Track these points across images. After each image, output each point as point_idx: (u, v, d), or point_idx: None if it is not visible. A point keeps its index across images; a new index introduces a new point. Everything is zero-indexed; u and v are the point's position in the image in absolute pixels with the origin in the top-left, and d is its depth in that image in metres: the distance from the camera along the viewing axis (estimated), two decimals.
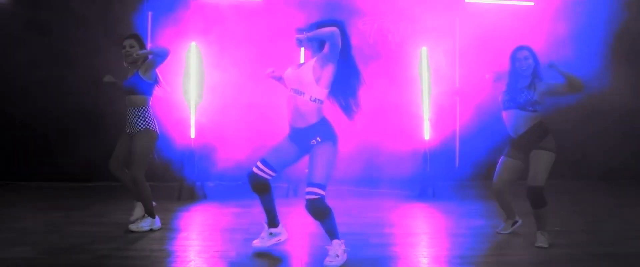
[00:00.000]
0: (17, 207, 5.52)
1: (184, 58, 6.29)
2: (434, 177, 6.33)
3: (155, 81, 4.53)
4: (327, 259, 3.51)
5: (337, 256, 3.51)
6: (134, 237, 4.26)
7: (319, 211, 3.44)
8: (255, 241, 3.93)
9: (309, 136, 3.49)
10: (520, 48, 4.10)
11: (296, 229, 4.52)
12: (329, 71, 3.43)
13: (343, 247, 3.57)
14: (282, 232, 3.96)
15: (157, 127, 4.50)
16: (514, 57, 4.11)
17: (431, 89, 6.37)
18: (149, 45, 4.50)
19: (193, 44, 6.29)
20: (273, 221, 3.91)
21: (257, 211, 5.17)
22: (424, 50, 6.36)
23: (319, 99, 3.46)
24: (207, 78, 6.42)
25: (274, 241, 3.92)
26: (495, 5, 6.98)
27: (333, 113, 3.66)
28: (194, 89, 6.26)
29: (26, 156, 7.13)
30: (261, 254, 3.85)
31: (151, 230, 4.46)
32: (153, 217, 4.49)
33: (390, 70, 6.80)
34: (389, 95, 6.71)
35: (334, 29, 3.32)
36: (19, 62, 6.94)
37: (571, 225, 4.78)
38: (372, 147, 6.71)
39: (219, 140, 6.61)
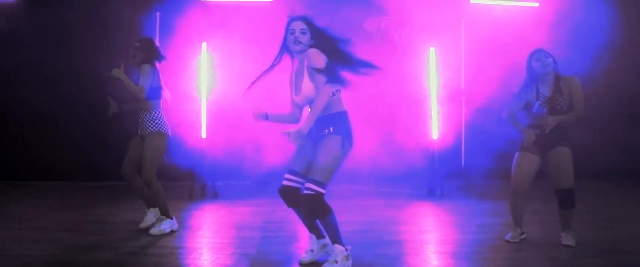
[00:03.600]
0: (31, 206, 5.59)
1: (194, 59, 6.34)
2: (442, 176, 6.40)
3: (159, 85, 4.47)
4: (326, 263, 3.38)
5: (336, 261, 3.36)
6: (151, 237, 4.32)
7: (316, 207, 3.28)
8: (303, 256, 3.61)
9: (323, 124, 3.36)
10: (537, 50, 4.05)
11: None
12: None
13: (345, 254, 3.37)
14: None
15: (168, 129, 4.49)
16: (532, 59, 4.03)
17: (439, 88, 6.44)
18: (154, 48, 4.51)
19: (204, 44, 6.35)
20: (319, 232, 3.61)
21: (269, 210, 5.30)
22: (432, 50, 6.44)
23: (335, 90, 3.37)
24: (218, 77, 6.45)
25: (323, 252, 3.62)
26: (500, 6, 7.04)
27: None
28: (205, 89, 6.32)
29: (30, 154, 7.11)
30: (278, 250, 3.93)
31: (171, 231, 4.48)
32: (170, 218, 4.51)
33: (396, 69, 6.82)
34: (395, 93, 6.78)
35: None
36: (33, 60, 6.91)
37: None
38: (378, 145, 6.70)
39: (230, 139, 6.62)
